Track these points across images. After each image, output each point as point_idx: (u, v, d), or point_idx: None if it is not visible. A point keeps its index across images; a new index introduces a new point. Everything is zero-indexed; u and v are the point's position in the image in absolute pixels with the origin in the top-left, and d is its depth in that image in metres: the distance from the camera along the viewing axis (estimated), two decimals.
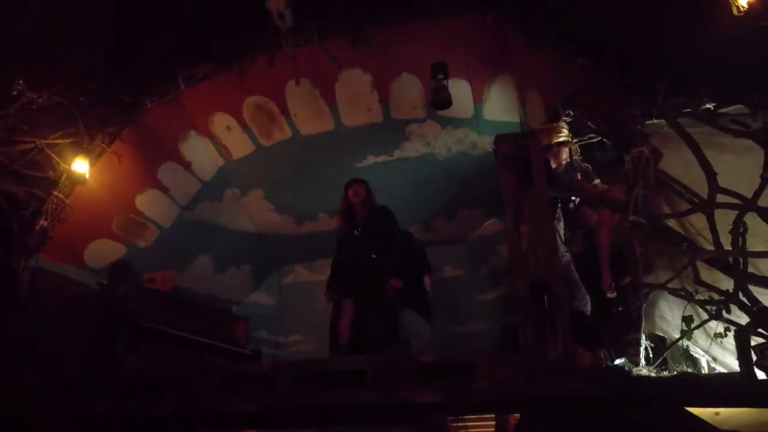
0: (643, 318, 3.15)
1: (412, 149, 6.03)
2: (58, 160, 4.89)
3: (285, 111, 5.57)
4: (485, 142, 5.58)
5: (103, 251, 5.51)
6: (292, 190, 6.34)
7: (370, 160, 6.17)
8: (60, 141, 4.91)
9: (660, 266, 3.62)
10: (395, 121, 5.66)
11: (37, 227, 4.88)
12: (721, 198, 3.30)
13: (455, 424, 4.26)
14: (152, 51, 5.17)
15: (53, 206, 4.93)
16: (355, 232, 4.96)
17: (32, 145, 4.81)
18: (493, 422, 3.98)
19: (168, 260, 6.04)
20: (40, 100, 4.75)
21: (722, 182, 3.33)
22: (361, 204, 5.11)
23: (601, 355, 3.49)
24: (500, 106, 5.35)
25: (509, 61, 4.97)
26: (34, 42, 4.74)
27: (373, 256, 4.66)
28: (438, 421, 3.66)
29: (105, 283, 4.87)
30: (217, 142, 5.85)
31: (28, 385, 3.82)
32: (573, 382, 2.75)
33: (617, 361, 3.34)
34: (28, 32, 4.69)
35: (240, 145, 5.90)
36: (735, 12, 3.36)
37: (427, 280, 5.10)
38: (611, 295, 3.83)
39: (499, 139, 3.66)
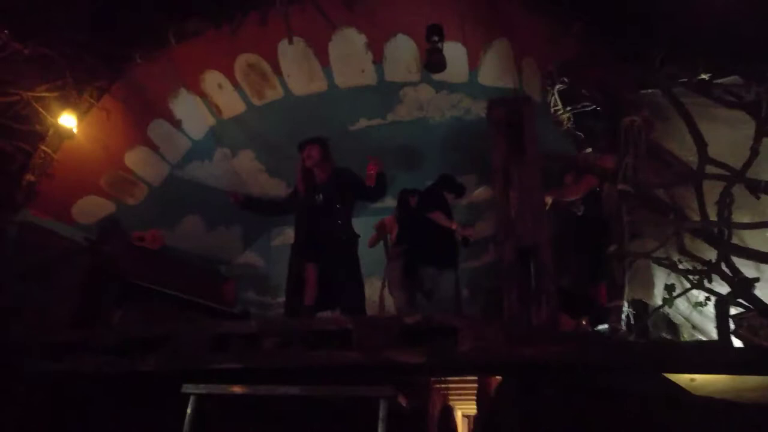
0: (627, 285, 3.18)
1: (405, 113, 5.97)
2: (44, 113, 4.80)
3: (277, 70, 5.48)
4: (479, 108, 5.53)
5: (92, 208, 5.50)
6: (284, 152, 6.28)
7: (363, 123, 6.12)
8: (47, 94, 4.82)
9: (647, 235, 3.65)
10: (389, 83, 5.58)
11: (24, 182, 4.82)
12: (711, 170, 3.31)
13: (438, 386, 4.35)
14: (142, 4, 5.04)
15: (40, 161, 4.87)
16: (317, 197, 4.61)
17: (18, 98, 4.72)
18: (476, 384, 4.05)
19: (158, 218, 6.04)
20: (26, 51, 4.62)
21: (713, 153, 3.33)
22: (318, 166, 4.68)
23: (584, 321, 3.53)
24: (495, 72, 5.28)
25: (505, 26, 4.90)
26: None
27: (339, 221, 4.55)
28: (421, 381, 3.74)
29: (93, 239, 4.87)
30: (207, 100, 5.77)
31: (14, 341, 3.83)
32: (554, 347, 2.79)
33: (599, 328, 3.39)
34: None
35: (231, 104, 5.82)
36: None
37: (438, 216, 5.08)
38: None
39: (493, 104, 3.65)
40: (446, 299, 4.89)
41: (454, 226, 5.10)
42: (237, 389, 2.97)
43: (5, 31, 4.59)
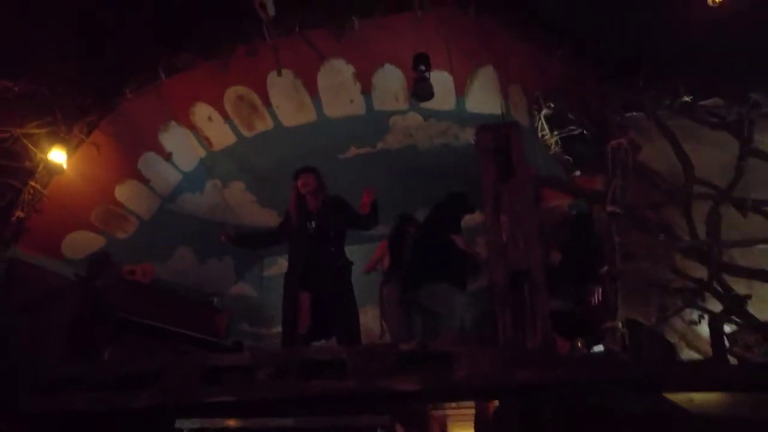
0: (621, 306, 3.18)
1: (394, 141, 6.02)
2: (34, 149, 4.81)
3: (267, 102, 5.52)
4: (467, 135, 5.59)
5: (82, 243, 5.45)
6: (275, 182, 6.30)
7: (353, 152, 6.16)
8: (36, 130, 4.83)
9: (639, 255, 3.67)
10: (378, 112, 5.64)
11: (14, 218, 4.79)
12: (698, 189, 3.36)
13: (436, 413, 4.29)
14: (132, 39, 5.10)
15: (30, 197, 4.85)
16: (309, 225, 4.63)
17: (7, 135, 4.72)
18: (473, 410, 4.01)
19: (149, 252, 6.01)
20: (16, 89, 4.65)
21: (700, 173, 3.38)
22: (312, 195, 4.72)
23: (579, 343, 3.52)
24: (482, 99, 5.34)
25: (491, 54, 4.98)
26: (9, 29, 4.66)
27: (332, 249, 4.56)
28: (418, 409, 3.70)
29: (83, 274, 4.83)
30: (198, 132, 5.79)
31: (4, 378, 3.76)
32: (550, 370, 2.78)
33: (594, 349, 3.38)
34: (1, 18, 4.61)
35: (221, 136, 5.84)
36: (710, 2, 3.41)
37: (460, 240, 5.03)
38: None
39: (481, 130, 3.69)
40: (457, 322, 4.84)
41: (473, 251, 5.08)
42: (231, 423, 2.93)
43: None
